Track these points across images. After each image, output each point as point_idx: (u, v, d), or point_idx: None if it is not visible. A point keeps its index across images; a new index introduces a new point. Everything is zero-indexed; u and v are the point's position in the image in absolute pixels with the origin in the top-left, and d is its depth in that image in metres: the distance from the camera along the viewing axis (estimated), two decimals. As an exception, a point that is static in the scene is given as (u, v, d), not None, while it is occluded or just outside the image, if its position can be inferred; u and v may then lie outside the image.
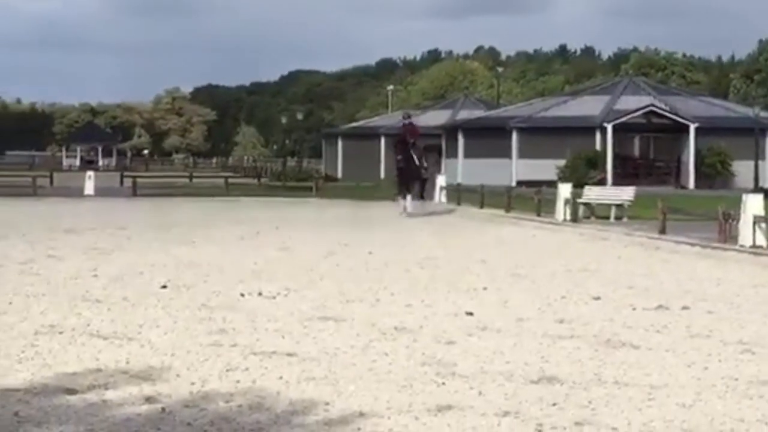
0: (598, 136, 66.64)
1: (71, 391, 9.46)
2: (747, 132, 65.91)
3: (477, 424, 8.52)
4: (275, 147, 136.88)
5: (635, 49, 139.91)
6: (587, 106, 71.66)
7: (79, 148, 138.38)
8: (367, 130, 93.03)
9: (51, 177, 65.90)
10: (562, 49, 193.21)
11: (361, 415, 8.72)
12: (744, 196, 25.98)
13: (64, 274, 18.61)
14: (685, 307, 15.36)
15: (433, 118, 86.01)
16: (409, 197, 37.87)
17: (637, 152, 68.26)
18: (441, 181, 51.61)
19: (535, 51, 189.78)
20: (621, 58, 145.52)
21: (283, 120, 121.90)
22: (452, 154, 75.18)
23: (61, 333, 12.49)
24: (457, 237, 29.38)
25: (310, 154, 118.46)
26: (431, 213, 42.21)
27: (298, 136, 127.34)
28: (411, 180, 38.49)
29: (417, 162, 38.18)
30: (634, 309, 15.14)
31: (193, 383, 9.85)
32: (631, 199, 37.22)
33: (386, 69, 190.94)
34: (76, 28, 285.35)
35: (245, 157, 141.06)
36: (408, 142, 38.76)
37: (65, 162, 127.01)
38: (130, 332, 12.60)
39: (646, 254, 24.71)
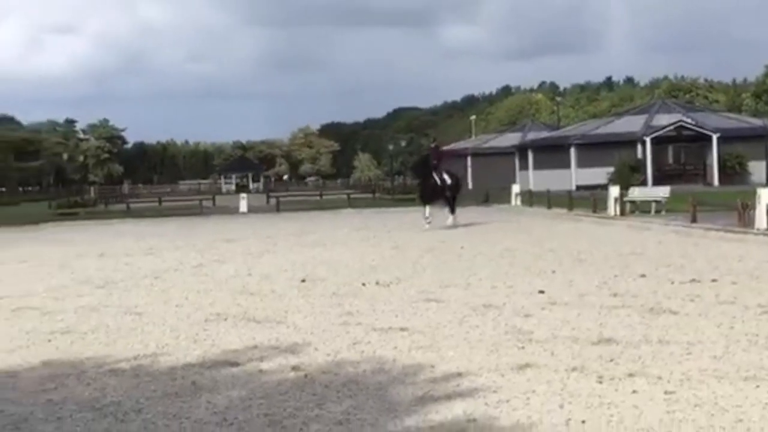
0: (639, 147, 65.74)
1: (234, 364, 9.57)
2: (759, 138, 65.34)
3: (551, 378, 8.48)
4: (385, 168, 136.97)
5: (666, 77, 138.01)
6: (629, 123, 70.72)
7: (234, 176, 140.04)
8: (456, 151, 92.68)
9: (213, 199, 66.60)
10: (608, 79, 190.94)
11: (459, 374, 8.72)
12: (759, 190, 25.52)
13: (226, 274, 18.81)
14: (713, 280, 15.14)
15: (508, 140, 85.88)
16: (427, 211, 32.45)
17: (670, 159, 67.09)
18: (516, 188, 51.38)
19: (587, 82, 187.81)
20: (655, 84, 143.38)
21: (390, 147, 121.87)
22: (524, 167, 74.75)
23: (225, 319, 12.64)
24: (530, 232, 29.19)
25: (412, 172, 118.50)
26: (508, 212, 42.06)
27: (403, 159, 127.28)
28: (432, 197, 33.14)
29: (439, 182, 32.90)
30: (672, 283, 14.94)
31: (328, 354, 9.91)
32: (667, 196, 36.74)
33: (469, 103, 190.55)
34: (228, 83, 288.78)
35: (362, 177, 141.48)
36: (430, 165, 33.80)
37: (224, 187, 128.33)
38: (278, 317, 12.70)
39: (681, 239, 24.36)
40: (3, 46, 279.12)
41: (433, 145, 36.61)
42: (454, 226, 31.79)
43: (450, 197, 33.31)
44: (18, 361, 10.13)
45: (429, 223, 31.66)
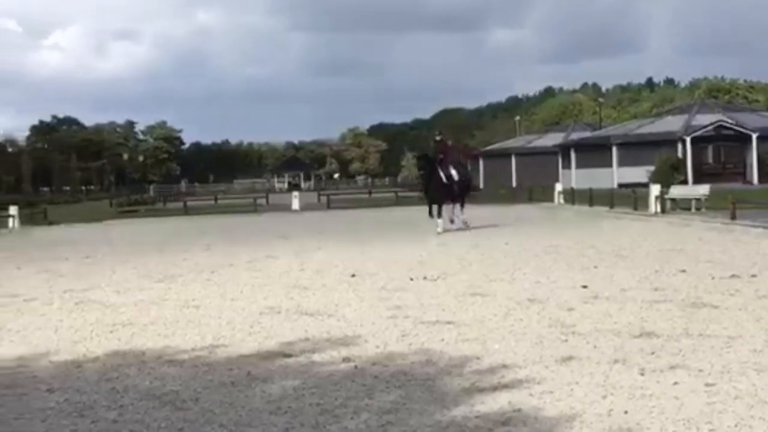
0: (679, 146, 65.20)
1: (288, 355, 9.62)
2: (799, 137, 64.42)
3: (593, 370, 8.44)
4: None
5: (706, 78, 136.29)
6: (670, 123, 70.18)
7: (286, 175, 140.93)
8: (501, 151, 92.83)
9: (267, 197, 67.08)
10: (649, 81, 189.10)
11: (504, 366, 8.71)
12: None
13: (279, 269, 18.89)
14: (753, 275, 14.96)
15: (551, 139, 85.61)
16: (442, 216, 29.01)
17: (710, 158, 66.43)
18: (558, 187, 51.19)
19: (628, 83, 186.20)
20: (695, 85, 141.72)
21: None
22: (566, 165, 74.44)
23: (279, 312, 12.70)
24: (572, 228, 29.03)
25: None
26: (551, 210, 41.85)
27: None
28: (437, 195, 29.27)
29: (445, 178, 29.25)
30: (713, 278, 14.79)
31: (377, 346, 9.94)
32: (707, 194, 36.43)
33: (513, 104, 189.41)
34: (281, 85, 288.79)
35: (409, 176, 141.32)
36: (434, 160, 29.82)
37: (276, 186, 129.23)
38: (330, 310, 12.74)
39: (721, 236, 24.10)
40: (68, 51, 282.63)
41: (438, 139, 32.11)
42: (466, 226, 29.29)
43: (459, 194, 30.22)
44: (82, 352, 10.26)
45: (439, 226, 28.39)
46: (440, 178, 29.26)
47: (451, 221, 29.61)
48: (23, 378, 9.00)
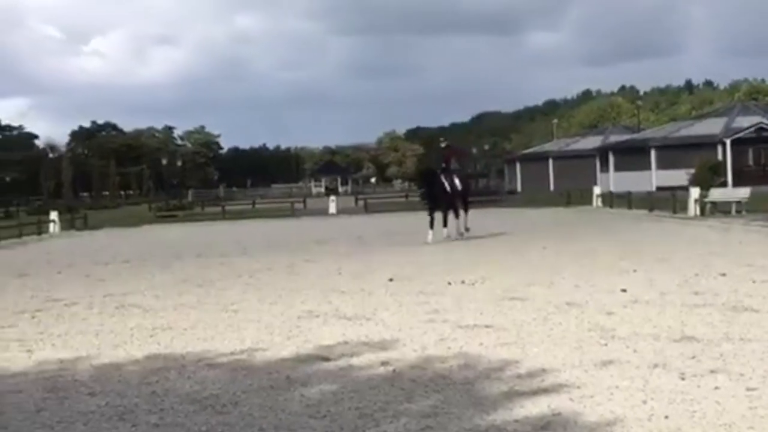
0: (719, 149, 64.64)
1: (326, 359, 9.63)
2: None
3: (633, 374, 8.38)
4: (469, 171, 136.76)
5: (746, 80, 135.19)
6: (709, 126, 69.58)
7: (323, 179, 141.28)
8: (538, 154, 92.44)
9: (304, 202, 67.33)
10: (688, 83, 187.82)
11: (544, 370, 8.67)
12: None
13: (317, 273, 18.94)
14: (795, 279, 14.83)
15: (589, 143, 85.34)
16: (447, 226, 27.81)
17: (750, 160, 65.73)
18: (597, 190, 50.97)
19: (666, 86, 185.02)
20: (735, 87, 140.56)
21: (474, 150, 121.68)
22: (605, 168, 74.00)
23: (317, 316, 12.71)
24: (611, 232, 28.89)
25: (496, 174, 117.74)
26: (589, 213, 41.64)
27: (486, 162, 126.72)
28: (439, 204, 27.75)
29: (449, 187, 27.71)
30: (753, 282, 14.64)
31: (415, 350, 9.92)
32: (747, 197, 36.09)
33: (550, 107, 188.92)
34: (318, 89, 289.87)
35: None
36: (437, 171, 28.13)
37: (314, 190, 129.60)
38: (368, 314, 12.73)
39: (761, 239, 23.87)
40: (108, 56, 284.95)
41: (443, 145, 30.75)
42: (467, 233, 27.84)
43: (461, 203, 28.66)
44: (123, 356, 10.33)
45: (432, 237, 26.96)
46: (444, 188, 27.74)
47: (461, 233, 28.03)
48: (65, 382, 9.08)
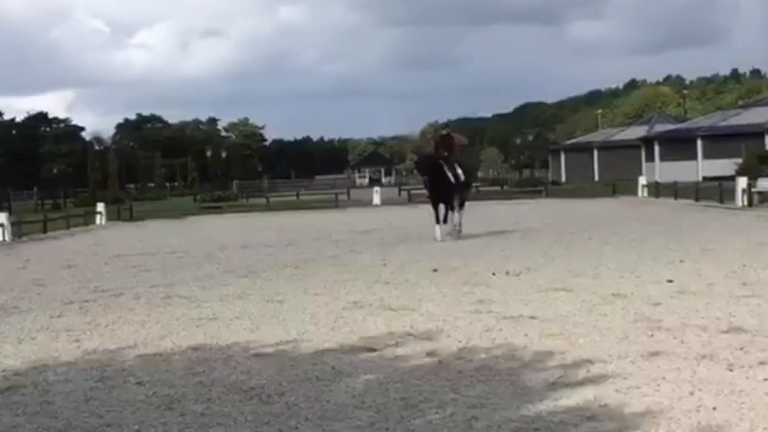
0: (766, 138, 64.02)
1: (371, 350, 9.64)
2: None
3: (680, 365, 8.32)
4: (513, 162, 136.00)
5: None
6: (757, 115, 68.88)
7: (367, 170, 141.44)
8: (583, 144, 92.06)
9: (348, 193, 67.30)
10: (734, 72, 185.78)
11: (589, 361, 8.62)
12: None
13: (361, 264, 18.96)
14: None
15: (634, 132, 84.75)
16: (447, 221, 24.98)
17: (799, 150, 65.15)
18: (642, 180, 50.60)
19: (713, 75, 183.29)
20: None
21: (518, 141, 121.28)
22: (650, 159, 73.46)
23: (362, 307, 12.72)
24: (657, 222, 28.66)
25: (540, 165, 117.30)
26: (635, 203, 41.30)
27: (530, 153, 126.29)
28: (445, 196, 24.92)
29: (453, 178, 24.81)
30: (803, 272, 14.50)
31: (460, 341, 9.91)
32: (796, 186, 35.71)
33: (595, 97, 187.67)
34: (362, 81, 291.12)
35: (490, 170, 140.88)
36: (438, 159, 25.21)
37: (357, 181, 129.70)
38: (412, 305, 12.72)
39: (811, 229, 23.59)
40: (154, 49, 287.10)
41: (444, 133, 27.96)
42: (460, 229, 24.88)
43: (458, 197, 25.36)
44: (169, 346, 10.41)
45: (441, 231, 24.64)
46: (448, 179, 24.81)
47: (459, 231, 24.91)
48: (113, 371, 9.17)
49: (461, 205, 25.35)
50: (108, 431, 7.01)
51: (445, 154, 25.49)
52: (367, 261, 19.53)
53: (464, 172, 25.89)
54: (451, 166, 25.14)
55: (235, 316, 12.44)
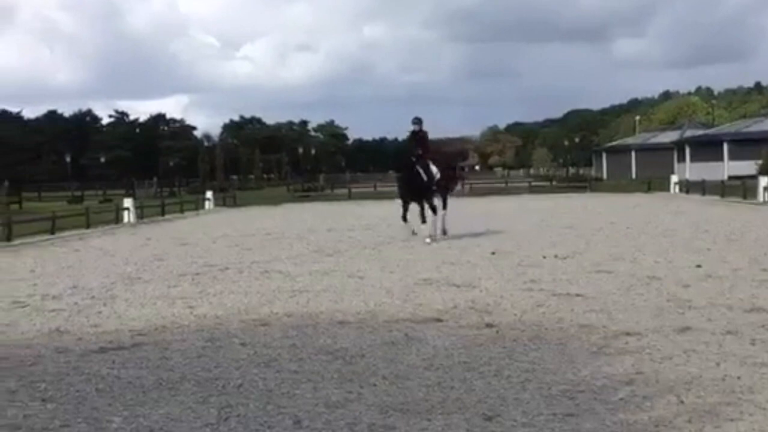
0: (787, 142, 62.61)
1: (438, 320, 9.64)
2: None
3: (708, 339, 8.19)
4: (561, 161, 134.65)
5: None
6: (777, 121, 67.43)
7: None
8: (622, 147, 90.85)
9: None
10: (758, 84, 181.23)
11: (627, 334, 8.54)
12: None
13: (430, 247, 18.81)
14: None
15: (668, 137, 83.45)
16: (427, 222, 20.48)
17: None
18: (674, 178, 49.76)
19: (738, 87, 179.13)
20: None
21: (566, 143, 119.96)
22: (681, 159, 72.25)
23: (430, 284, 12.72)
24: (687, 215, 28.16)
25: (584, 164, 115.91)
26: (667, 199, 40.64)
27: (576, 153, 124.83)
28: (413, 194, 20.44)
29: (425, 176, 20.19)
30: (817, 261, 14.15)
31: (515, 314, 9.87)
32: (813, 184, 34.80)
33: (634, 105, 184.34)
34: (432, 90, 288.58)
35: (541, 168, 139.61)
36: (411, 157, 20.37)
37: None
38: (473, 282, 12.70)
39: (825, 223, 23.00)
40: (256, 61, 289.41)
41: (416, 128, 20.81)
42: (441, 236, 20.74)
43: (441, 192, 21.33)
44: (267, 312, 10.52)
45: (410, 229, 20.79)
46: (419, 176, 20.28)
47: (443, 232, 21.14)
48: (220, 333, 9.29)
49: (443, 206, 21.45)
50: (217, 383, 7.10)
51: (419, 152, 20.46)
52: (434, 244, 19.47)
53: (443, 170, 21.24)
54: (425, 163, 20.45)
55: (322, 289, 12.52)
